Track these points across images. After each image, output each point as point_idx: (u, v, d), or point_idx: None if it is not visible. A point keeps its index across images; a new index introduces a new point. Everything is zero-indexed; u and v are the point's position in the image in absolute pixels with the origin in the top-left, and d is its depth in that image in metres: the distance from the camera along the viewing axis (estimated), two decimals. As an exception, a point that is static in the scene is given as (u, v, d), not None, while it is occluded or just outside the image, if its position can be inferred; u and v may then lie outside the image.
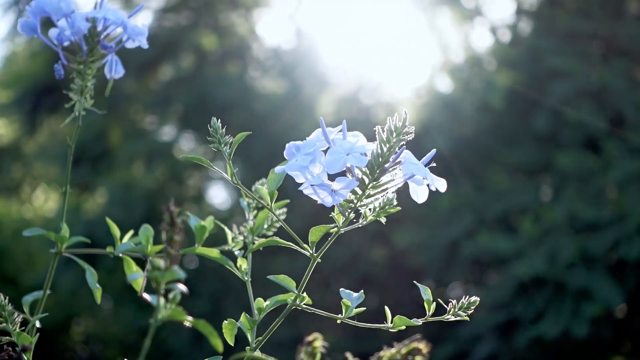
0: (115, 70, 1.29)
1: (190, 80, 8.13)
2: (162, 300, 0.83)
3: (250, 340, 1.12)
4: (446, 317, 1.12)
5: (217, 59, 8.64)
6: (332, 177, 1.00)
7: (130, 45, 1.28)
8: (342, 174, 1.00)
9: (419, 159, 1.03)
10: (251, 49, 8.84)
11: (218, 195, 9.23)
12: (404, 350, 0.93)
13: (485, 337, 6.26)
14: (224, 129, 1.09)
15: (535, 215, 6.32)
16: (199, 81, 8.00)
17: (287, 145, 1.03)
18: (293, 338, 6.54)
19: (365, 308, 1.11)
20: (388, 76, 8.29)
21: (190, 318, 0.85)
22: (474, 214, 6.57)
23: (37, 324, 1.26)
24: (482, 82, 7.00)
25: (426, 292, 1.12)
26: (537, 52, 6.82)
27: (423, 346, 0.94)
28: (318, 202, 1.00)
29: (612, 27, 6.78)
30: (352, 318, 1.12)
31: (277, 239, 1.10)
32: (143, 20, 8.31)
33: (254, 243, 1.25)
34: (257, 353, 1.11)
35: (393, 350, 0.94)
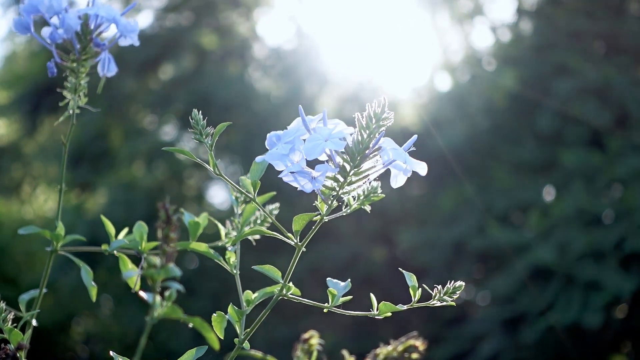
0: (108, 68, 1.28)
1: (191, 79, 8.13)
2: (158, 298, 0.83)
3: (238, 332, 1.11)
4: (432, 303, 1.12)
5: (218, 58, 8.64)
6: (314, 166, 1.00)
7: (123, 42, 1.27)
8: (325, 162, 1.00)
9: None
10: (252, 49, 8.84)
11: (218, 194, 9.24)
12: (400, 348, 0.93)
13: (490, 334, 6.26)
14: (205, 121, 1.09)
15: (541, 211, 6.33)
16: (200, 81, 8.00)
17: (268, 135, 1.04)
18: (293, 338, 6.53)
19: (352, 297, 1.11)
20: (389, 76, 8.29)
21: (185, 316, 0.85)
22: (477, 212, 6.57)
23: (34, 322, 1.26)
24: (484, 81, 7.00)
25: (411, 279, 1.12)
26: (538, 51, 6.82)
27: (419, 343, 0.94)
28: (298, 189, 1.00)
29: (613, 25, 6.78)
30: (339, 307, 1.12)
31: (262, 228, 1.10)
32: (143, 19, 8.31)
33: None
34: (246, 345, 1.10)
35: (390, 348, 0.94)
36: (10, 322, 1.18)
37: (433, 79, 7.82)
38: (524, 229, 6.45)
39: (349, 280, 1.13)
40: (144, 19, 8.56)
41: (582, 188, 6.18)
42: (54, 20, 1.23)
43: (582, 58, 6.59)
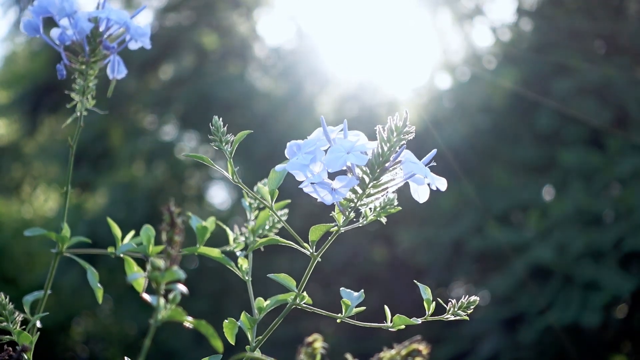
0: (117, 70, 1.28)
1: (191, 79, 8.13)
2: (162, 300, 0.83)
3: (250, 339, 1.11)
4: (446, 317, 1.11)
5: (218, 58, 8.64)
6: (333, 176, 1.00)
7: (133, 46, 1.27)
8: (343, 173, 1.00)
9: (420, 158, 1.03)
10: (252, 49, 8.84)
11: (218, 194, 9.24)
12: (403, 352, 0.92)
13: (490, 334, 6.27)
14: (225, 128, 1.09)
15: (540, 210, 6.33)
16: (200, 81, 7.99)
17: (288, 144, 1.03)
18: (294, 338, 6.54)
19: (365, 307, 1.11)
20: (389, 76, 8.29)
21: (190, 319, 0.84)
22: (476, 212, 6.58)
23: (38, 324, 1.25)
24: (484, 81, 7.01)
25: (426, 292, 1.12)
26: (538, 51, 6.82)
27: (423, 347, 0.93)
28: (318, 201, 0.99)
29: (613, 25, 6.78)
30: (352, 317, 1.11)
31: (278, 238, 1.10)
32: (144, 19, 8.31)
33: (255, 243, 1.24)
34: (257, 352, 1.10)
35: (393, 352, 0.93)
36: (19, 325, 1.18)
37: (433, 78, 7.83)
38: (523, 228, 6.45)
39: (362, 290, 1.12)
40: (144, 19, 8.56)
41: (582, 188, 6.18)
42: (64, 22, 1.23)
43: (582, 58, 6.60)
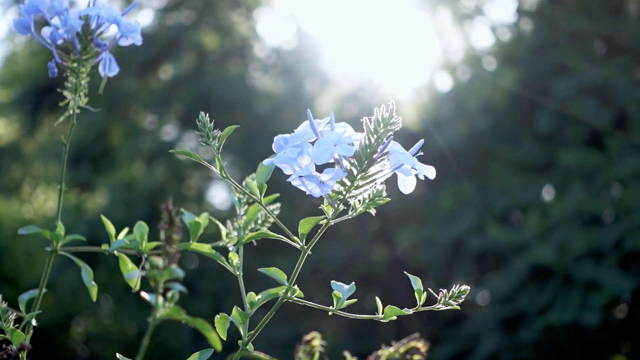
0: (109, 68, 1.28)
1: (191, 79, 8.13)
2: (160, 299, 0.83)
3: (242, 334, 1.11)
4: (437, 307, 1.11)
5: (218, 58, 8.65)
6: (321, 169, 0.99)
7: (124, 42, 1.27)
8: (331, 165, 0.99)
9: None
10: (252, 49, 8.85)
11: (218, 194, 9.24)
12: (402, 349, 0.93)
13: (489, 334, 6.27)
14: (212, 123, 1.09)
15: (540, 210, 6.33)
16: (200, 80, 8.00)
17: (275, 138, 1.03)
18: (294, 338, 6.54)
19: (356, 300, 1.11)
20: (389, 75, 8.30)
21: (187, 317, 0.85)
22: (476, 212, 6.58)
23: (34, 322, 1.25)
24: (484, 81, 7.01)
25: (416, 282, 1.12)
26: (538, 51, 6.83)
27: (421, 345, 0.93)
28: (307, 193, 0.99)
29: (613, 25, 6.78)
30: (343, 310, 1.11)
31: (267, 231, 1.09)
32: (143, 18, 8.29)
33: (245, 237, 1.24)
34: (250, 347, 1.10)
35: (391, 349, 0.94)
36: (12, 323, 1.17)
37: (433, 78, 7.83)
38: (523, 228, 6.45)
39: (353, 283, 1.12)
40: (145, 19, 8.57)
41: (582, 188, 6.18)
42: (55, 20, 1.23)
43: (582, 58, 6.60)
